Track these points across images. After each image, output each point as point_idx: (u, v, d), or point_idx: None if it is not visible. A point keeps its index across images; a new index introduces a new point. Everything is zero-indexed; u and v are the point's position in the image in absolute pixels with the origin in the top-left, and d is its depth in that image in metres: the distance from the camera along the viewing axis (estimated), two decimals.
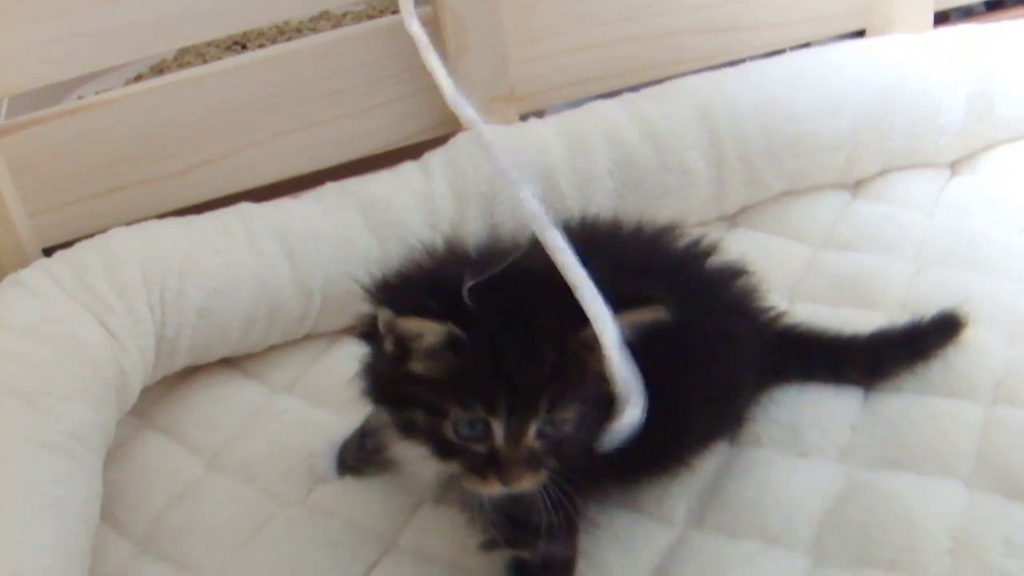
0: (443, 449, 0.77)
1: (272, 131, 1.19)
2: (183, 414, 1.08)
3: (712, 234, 1.04)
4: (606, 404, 0.78)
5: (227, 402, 1.09)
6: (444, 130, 1.21)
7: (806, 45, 1.36)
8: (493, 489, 0.77)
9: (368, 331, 0.81)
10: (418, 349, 0.76)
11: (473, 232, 1.13)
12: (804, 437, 0.99)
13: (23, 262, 1.11)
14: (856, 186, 1.28)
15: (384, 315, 0.76)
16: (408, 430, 0.80)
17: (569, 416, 0.78)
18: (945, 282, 1.13)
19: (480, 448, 0.76)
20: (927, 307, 1.09)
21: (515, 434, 0.76)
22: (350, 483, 0.99)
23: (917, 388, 1.02)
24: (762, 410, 1.01)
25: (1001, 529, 0.89)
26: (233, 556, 0.94)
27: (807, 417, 1.01)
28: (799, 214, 1.24)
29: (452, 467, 0.78)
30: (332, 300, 1.11)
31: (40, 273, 1.05)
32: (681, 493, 0.95)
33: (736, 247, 1.18)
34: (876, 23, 1.34)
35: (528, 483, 0.78)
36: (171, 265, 1.06)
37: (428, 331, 0.75)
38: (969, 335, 1.06)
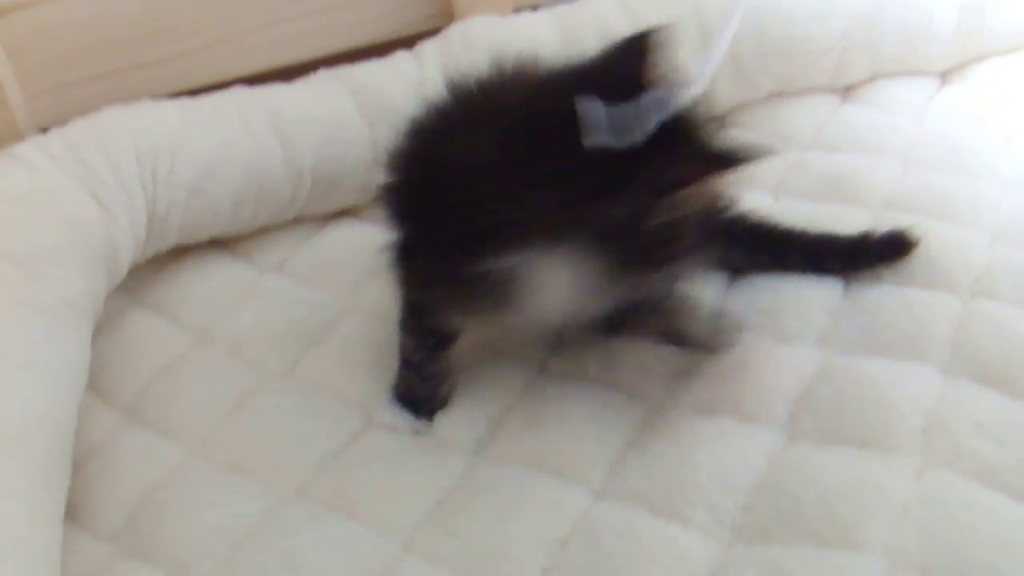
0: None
1: (268, 18, 1.19)
2: (172, 291, 1.09)
3: None
4: None
5: (216, 280, 1.10)
6: (437, 23, 1.21)
7: None
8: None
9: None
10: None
11: None
12: (784, 322, 1.00)
13: (18, 141, 1.11)
14: (846, 91, 1.30)
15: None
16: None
17: None
18: (930, 184, 1.15)
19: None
20: (911, 207, 1.11)
21: None
22: (336, 356, 1.01)
23: (897, 279, 1.03)
24: (743, 295, 1.03)
25: (972, 412, 0.90)
26: (218, 425, 0.96)
27: (787, 304, 1.02)
28: (788, 116, 1.26)
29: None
30: (322, 182, 1.12)
31: (34, 148, 1.06)
32: (659, 372, 0.97)
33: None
34: None
35: None
36: (164, 144, 1.07)
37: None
38: (950, 233, 1.08)
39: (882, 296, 1.02)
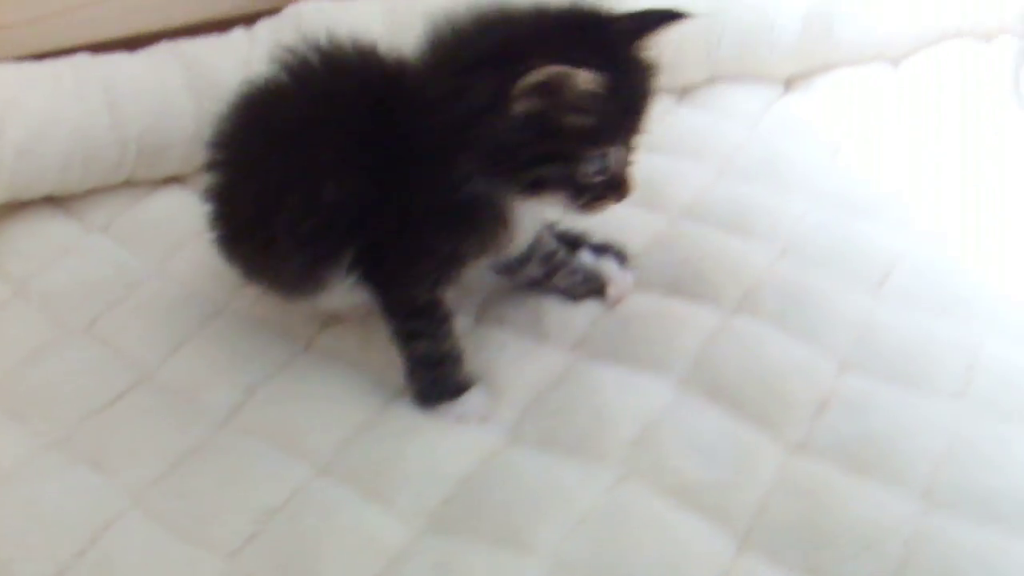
0: (575, 190, 0.88)
1: None
2: (2, 243, 1.17)
3: None
4: None
5: (43, 236, 1.18)
6: (278, 2, 1.27)
7: None
8: (609, 205, 0.91)
9: (488, 100, 0.84)
10: (567, 101, 0.83)
11: None
12: (546, 324, 1.06)
13: None
14: (683, 91, 1.33)
15: (547, 71, 0.81)
16: (534, 187, 0.88)
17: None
18: (736, 194, 1.18)
19: (600, 180, 0.88)
20: (706, 216, 1.15)
21: (625, 155, 0.89)
22: (130, 316, 1.09)
23: (665, 289, 1.08)
24: (510, 294, 1.08)
25: (690, 429, 0.95)
26: (6, 373, 1.04)
27: (554, 306, 1.07)
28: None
29: (578, 201, 0.89)
30: (147, 151, 1.20)
31: None
32: None
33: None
34: None
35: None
36: None
37: (586, 81, 0.82)
38: (736, 246, 1.12)
39: (643, 305, 1.07)
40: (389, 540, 0.89)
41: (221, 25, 1.25)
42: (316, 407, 1.00)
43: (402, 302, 0.97)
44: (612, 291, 1.07)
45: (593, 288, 1.07)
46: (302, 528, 0.90)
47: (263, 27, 1.23)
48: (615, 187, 0.90)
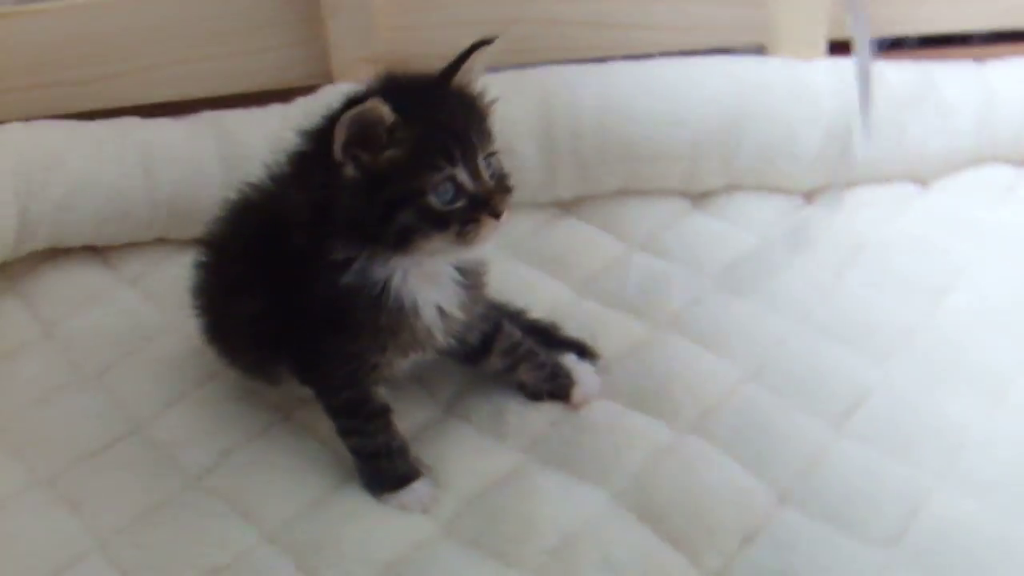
0: (438, 223, 0.90)
1: (172, 56, 1.36)
2: (39, 285, 1.29)
3: (540, 218, 1.19)
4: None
5: (77, 282, 1.29)
6: (319, 80, 1.35)
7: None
8: (491, 228, 0.91)
9: (322, 178, 0.91)
10: (375, 142, 0.88)
11: None
12: (507, 420, 1.09)
13: None
14: (701, 197, 1.34)
15: (344, 118, 0.87)
16: (403, 238, 0.91)
17: (495, 152, 0.94)
18: (722, 308, 1.20)
19: (462, 204, 0.90)
20: (688, 329, 1.17)
21: (475, 171, 0.91)
22: (139, 369, 1.18)
23: (627, 400, 1.10)
24: (478, 389, 1.13)
25: (610, 544, 0.97)
26: (17, 409, 1.14)
27: (516, 405, 1.11)
28: (633, 214, 1.32)
29: (450, 234, 0.91)
30: (178, 214, 1.29)
31: None
32: None
33: (559, 235, 1.29)
34: (771, 41, 1.36)
35: (508, 206, 0.93)
36: (42, 161, 1.26)
37: (376, 110, 0.87)
38: (706, 363, 1.13)
39: (603, 413, 1.09)
40: None
41: (264, 98, 1.34)
42: (279, 477, 1.06)
43: (330, 401, 1.03)
44: (577, 394, 1.10)
45: (559, 386, 1.10)
46: None
47: (297, 105, 1.31)
48: (483, 205, 0.91)
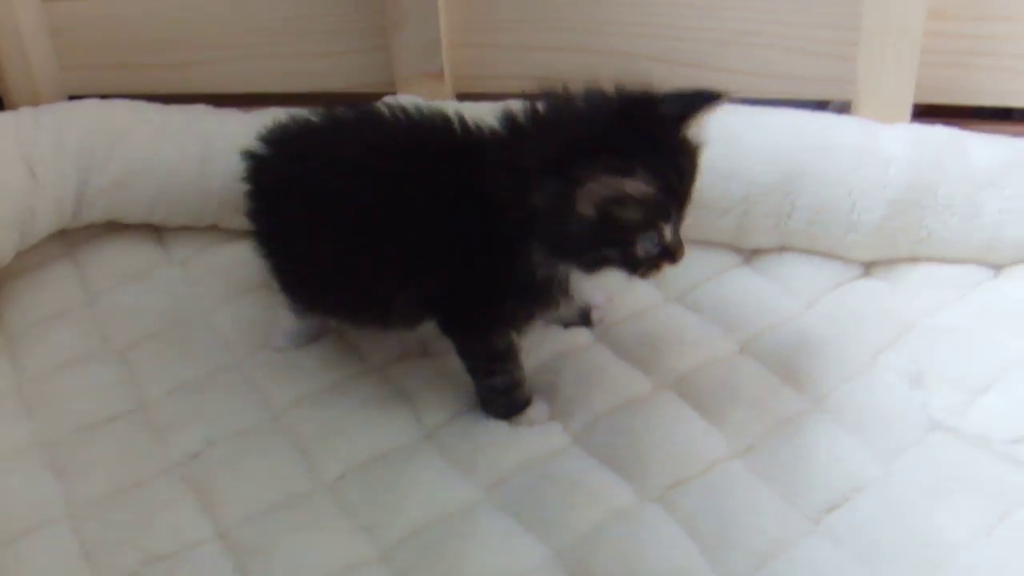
0: (631, 264, 0.99)
1: (245, 51, 1.41)
2: (95, 255, 1.35)
3: None
4: None
5: (130, 257, 1.35)
6: (383, 89, 1.35)
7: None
8: (664, 269, 1.01)
9: (555, 203, 0.95)
10: (622, 203, 0.94)
11: None
12: (481, 456, 1.07)
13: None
14: (752, 253, 1.27)
15: (604, 183, 0.93)
16: (597, 266, 1.00)
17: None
18: (733, 373, 1.13)
19: (654, 251, 0.99)
20: (693, 391, 1.12)
21: (677, 226, 0.99)
22: (158, 345, 1.24)
23: (603, 455, 1.06)
24: (466, 418, 1.13)
25: None
26: (47, 373, 1.21)
27: (495, 440, 1.09)
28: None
29: (636, 273, 1.00)
30: (227, 205, 1.32)
31: (11, 117, 1.35)
32: None
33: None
34: (857, 96, 1.28)
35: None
36: (107, 138, 1.32)
37: (637, 189, 0.94)
38: (696, 428, 1.08)
39: (571, 468, 1.06)
40: None
41: (337, 99, 1.35)
42: (245, 479, 1.07)
43: (482, 347, 1.10)
44: (596, 315, 1.20)
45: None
46: None
47: None
48: (669, 255, 0.99)
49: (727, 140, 1.21)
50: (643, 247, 0.97)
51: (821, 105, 1.35)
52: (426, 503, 1.04)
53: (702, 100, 0.98)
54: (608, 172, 0.92)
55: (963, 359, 1.12)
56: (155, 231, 1.38)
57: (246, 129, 1.32)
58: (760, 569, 0.96)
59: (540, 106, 1.00)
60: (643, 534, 0.99)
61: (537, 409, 1.11)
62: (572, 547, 0.98)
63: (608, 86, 0.99)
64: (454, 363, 1.12)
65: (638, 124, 0.96)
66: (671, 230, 0.98)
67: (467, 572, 0.97)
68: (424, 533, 1.01)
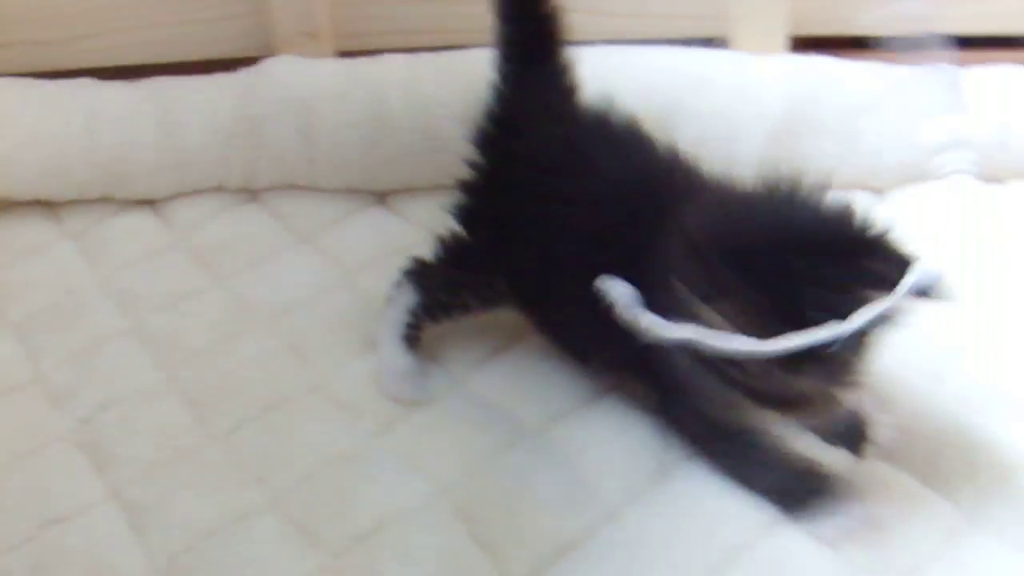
0: None
1: (126, 23, 1.41)
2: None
3: None
4: None
5: (20, 234, 1.34)
6: (263, 53, 1.36)
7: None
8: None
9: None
10: None
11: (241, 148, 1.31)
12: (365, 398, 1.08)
13: None
14: None
15: None
16: None
17: None
18: None
19: None
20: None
21: None
22: None
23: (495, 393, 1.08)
24: None
25: (417, 537, 0.96)
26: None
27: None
28: None
29: None
30: (115, 175, 1.32)
31: None
32: None
33: None
34: (732, 31, 1.29)
35: None
36: None
37: None
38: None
39: (458, 405, 1.07)
40: None
41: (220, 66, 1.36)
42: (137, 440, 1.07)
43: None
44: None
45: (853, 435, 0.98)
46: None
47: (237, 77, 1.33)
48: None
49: (604, 80, 1.22)
50: None
51: (707, 43, 1.37)
52: (316, 450, 1.04)
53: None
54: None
55: None
56: (48, 206, 1.37)
57: (125, 99, 1.34)
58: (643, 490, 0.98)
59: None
60: (527, 464, 1.00)
61: None
62: (458, 483, 1.00)
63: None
64: (340, 317, 1.13)
65: None
66: None
67: (357, 512, 0.98)
68: (315, 479, 1.02)
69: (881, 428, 0.98)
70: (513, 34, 1.06)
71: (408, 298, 1.09)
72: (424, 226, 1.14)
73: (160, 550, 0.98)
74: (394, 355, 1.09)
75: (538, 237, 0.99)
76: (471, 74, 1.26)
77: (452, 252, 1.08)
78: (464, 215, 1.07)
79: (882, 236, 0.82)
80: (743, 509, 0.96)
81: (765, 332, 0.78)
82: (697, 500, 0.98)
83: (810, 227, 0.82)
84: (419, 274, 1.09)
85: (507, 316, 1.11)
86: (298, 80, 1.30)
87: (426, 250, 1.10)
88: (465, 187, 1.07)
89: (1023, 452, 0.98)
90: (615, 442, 1.02)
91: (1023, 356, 1.07)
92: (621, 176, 0.96)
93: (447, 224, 1.08)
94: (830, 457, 0.97)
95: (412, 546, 0.96)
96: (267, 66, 1.32)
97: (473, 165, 1.06)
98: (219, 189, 1.34)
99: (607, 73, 1.22)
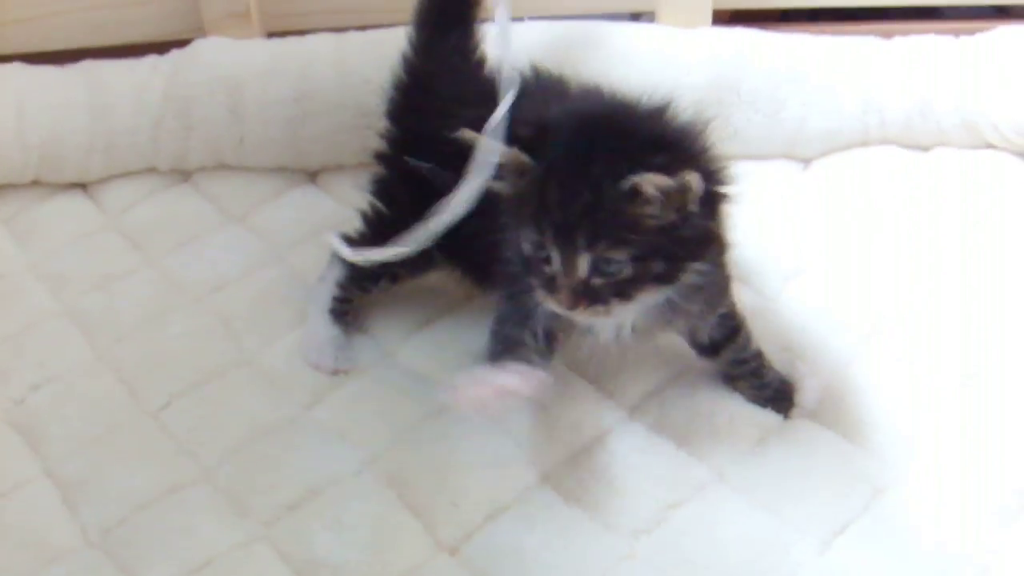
0: (526, 265, 0.89)
1: (56, 7, 1.40)
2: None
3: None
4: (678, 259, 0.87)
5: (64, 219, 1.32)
6: (193, 34, 1.36)
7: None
8: (556, 307, 0.88)
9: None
10: (504, 172, 0.89)
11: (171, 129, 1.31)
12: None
13: None
14: None
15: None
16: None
17: (621, 260, 0.85)
18: None
19: (547, 270, 0.87)
20: None
21: (568, 263, 0.85)
22: None
23: (424, 365, 1.09)
24: None
25: (347, 503, 0.97)
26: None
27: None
28: None
29: (532, 280, 0.89)
30: (48, 158, 1.32)
31: None
32: None
33: None
34: (658, 6, 1.31)
35: (586, 316, 0.88)
36: None
37: (504, 156, 0.87)
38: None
39: (390, 376, 1.09)
40: None
41: (151, 49, 1.36)
42: (69, 417, 1.08)
43: None
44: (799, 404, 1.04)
45: (778, 403, 1.04)
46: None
47: (168, 58, 1.34)
48: (554, 288, 0.89)
49: (533, 55, 1.23)
50: (527, 242, 0.88)
51: (634, 18, 1.38)
52: (247, 423, 1.05)
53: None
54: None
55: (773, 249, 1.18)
56: (84, 191, 1.36)
57: (57, 83, 1.33)
58: (575, 461, 1.00)
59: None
60: (452, 429, 1.02)
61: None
62: (387, 450, 1.01)
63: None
64: (270, 294, 1.14)
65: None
66: (560, 259, 0.86)
67: (288, 481, 0.99)
68: (245, 450, 1.03)
69: (807, 391, 1.03)
70: (428, 3, 1.09)
71: (337, 272, 1.11)
72: (354, 204, 1.14)
73: (94, 524, 0.99)
74: (319, 327, 1.11)
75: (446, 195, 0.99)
76: (398, 51, 1.27)
77: (373, 225, 1.09)
78: (380, 187, 1.10)
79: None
80: (674, 470, 0.99)
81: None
82: (629, 463, 1.00)
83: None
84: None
85: (436, 290, 1.14)
86: (226, 60, 1.30)
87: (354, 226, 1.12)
88: (379, 158, 1.10)
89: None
90: (545, 408, 1.03)
91: (954, 316, 1.10)
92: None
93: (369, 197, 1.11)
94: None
95: (344, 513, 0.97)
96: (195, 47, 1.33)
97: (384, 135, 1.10)
98: (150, 171, 1.34)
99: (536, 48, 1.24)
